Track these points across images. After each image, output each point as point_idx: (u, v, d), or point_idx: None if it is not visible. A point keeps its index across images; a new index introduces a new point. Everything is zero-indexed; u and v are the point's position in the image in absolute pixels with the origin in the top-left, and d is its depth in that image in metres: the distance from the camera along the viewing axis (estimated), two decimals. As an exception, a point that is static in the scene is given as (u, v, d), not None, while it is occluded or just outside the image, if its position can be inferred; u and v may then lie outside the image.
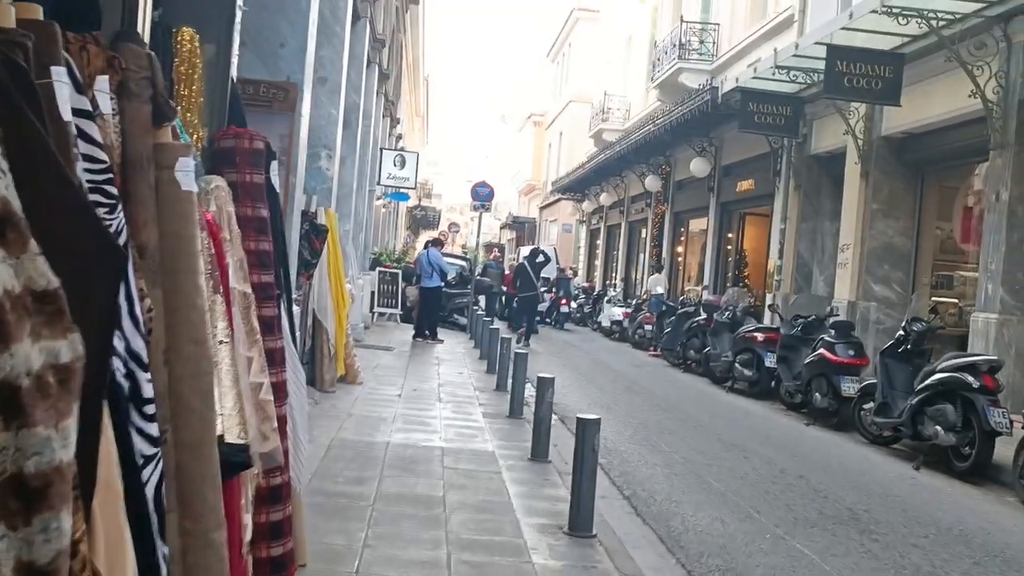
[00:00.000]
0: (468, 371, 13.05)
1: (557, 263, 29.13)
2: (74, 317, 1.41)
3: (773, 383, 12.90)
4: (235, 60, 3.66)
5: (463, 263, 25.36)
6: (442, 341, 16.80)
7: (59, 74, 1.66)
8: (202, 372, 2.38)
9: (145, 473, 1.91)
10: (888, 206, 14.11)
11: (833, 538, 6.07)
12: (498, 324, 16.44)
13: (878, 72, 12.43)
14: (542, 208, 48.34)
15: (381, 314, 19.74)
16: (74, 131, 1.76)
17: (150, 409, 1.95)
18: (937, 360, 9.38)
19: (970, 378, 8.54)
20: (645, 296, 22.36)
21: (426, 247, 18.81)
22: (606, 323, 24.36)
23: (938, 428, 8.65)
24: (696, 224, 24.38)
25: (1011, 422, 8.32)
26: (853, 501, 7.14)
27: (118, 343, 1.83)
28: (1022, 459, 7.66)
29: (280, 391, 3.41)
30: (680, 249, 25.53)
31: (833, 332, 11.52)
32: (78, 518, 1.45)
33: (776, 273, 17.21)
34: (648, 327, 20.29)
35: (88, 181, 1.83)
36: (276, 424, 3.26)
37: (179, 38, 3.09)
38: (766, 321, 15.62)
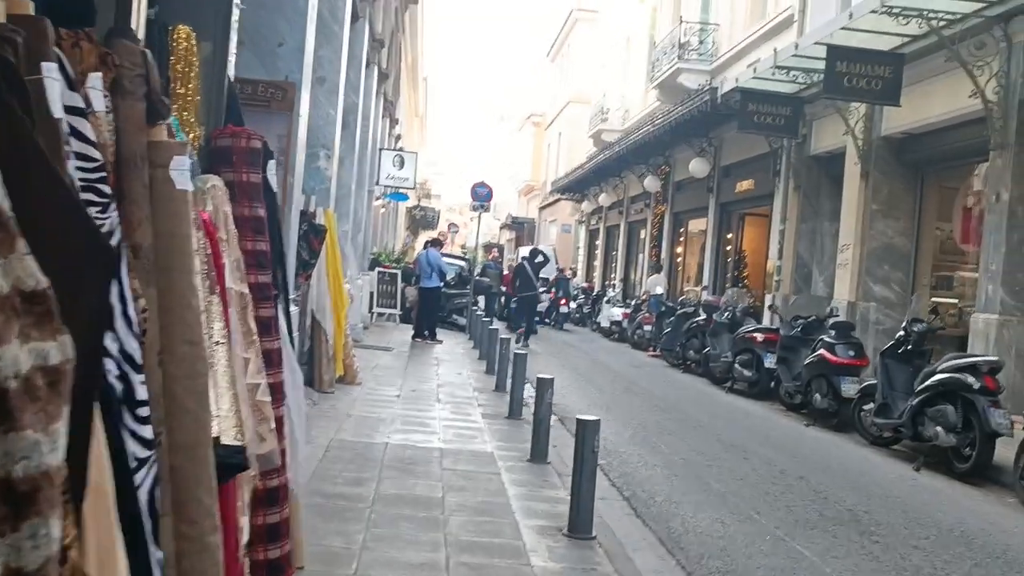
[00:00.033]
0: (467, 372, 13.02)
1: (556, 263, 29.13)
2: (64, 318, 1.38)
3: (773, 384, 12.87)
4: (232, 58, 3.64)
5: (462, 263, 25.34)
6: (441, 341, 16.77)
7: (50, 70, 1.63)
8: (197, 373, 2.35)
9: (138, 476, 1.88)
10: (888, 206, 14.08)
11: (833, 540, 6.04)
12: (497, 324, 16.43)
13: (878, 72, 12.40)
14: (541, 208, 48.33)
15: (380, 314, 19.71)
16: (66, 128, 1.73)
17: (144, 411, 1.92)
18: (937, 361, 9.36)
19: (971, 379, 8.52)
20: (644, 296, 22.33)
21: (425, 247, 18.78)
22: (605, 323, 24.34)
23: (939, 429, 8.63)
24: (695, 224, 24.36)
25: (1012, 423, 8.30)
26: (853, 502, 7.11)
27: (111, 344, 1.81)
28: (1023, 460, 7.64)
29: (277, 392, 3.38)
30: (679, 249, 25.51)
31: (833, 333, 11.50)
32: (68, 523, 1.43)
33: (776, 273, 17.19)
34: (647, 327, 20.27)
35: (81, 179, 1.80)
36: (273, 425, 3.23)
37: (175, 36, 3.06)
38: (765, 321, 15.60)
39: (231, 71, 3.62)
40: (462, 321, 20.64)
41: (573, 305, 27.78)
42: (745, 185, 19.77)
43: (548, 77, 50.65)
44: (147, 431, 1.93)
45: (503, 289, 25.46)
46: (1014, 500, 7.66)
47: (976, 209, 12.61)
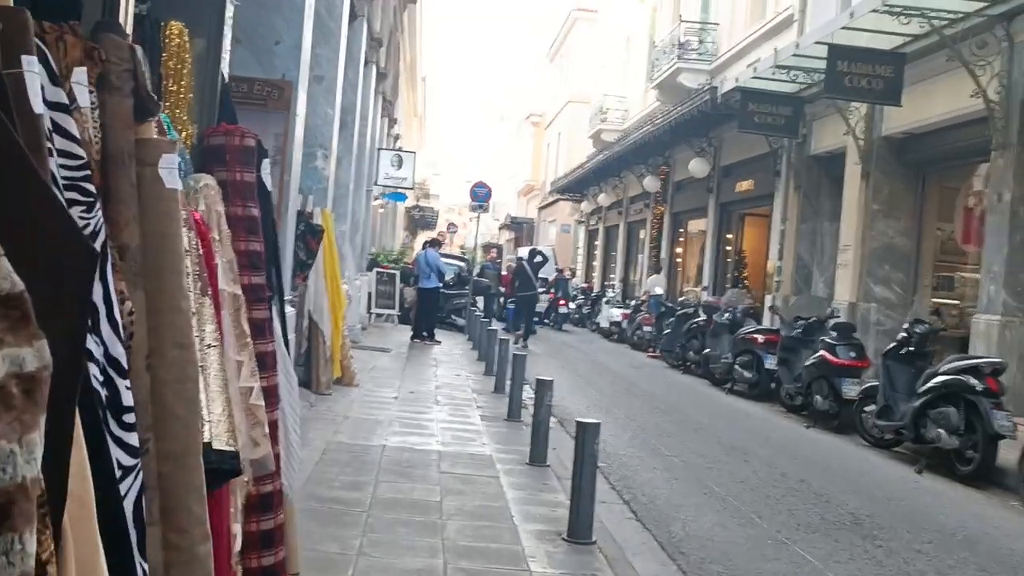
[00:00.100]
0: (466, 373, 12.96)
1: (555, 264, 29.08)
2: (42, 323, 1.32)
3: (773, 385, 12.82)
4: (226, 56, 3.57)
5: (461, 264, 25.28)
6: (440, 342, 16.71)
7: (30, 63, 1.56)
8: (187, 378, 2.29)
9: (124, 485, 1.81)
10: (888, 207, 14.02)
11: (836, 544, 5.98)
12: (496, 325, 16.37)
13: (879, 72, 12.35)
14: (541, 209, 48.28)
15: (379, 315, 19.64)
16: (48, 124, 1.67)
17: (129, 418, 1.86)
18: (939, 362, 9.30)
19: (973, 381, 8.46)
20: (644, 297, 22.27)
21: (424, 248, 18.72)
22: (605, 324, 24.28)
23: (941, 431, 8.57)
24: (695, 225, 24.30)
25: (1015, 425, 8.24)
26: (855, 505, 7.05)
27: (96, 348, 1.74)
28: (1026, 463, 7.58)
29: (271, 395, 3.31)
30: (679, 250, 25.45)
31: (834, 334, 11.44)
32: (45, 537, 1.36)
33: (776, 274, 17.13)
34: (647, 328, 20.21)
35: (64, 178, 1.74)
36: (267, 430, 3.16)
37: (167, 32, 3.00)
38: (766, 322, 15.55)
39: (225, 68, 3.56)
40: (461, 322, 20.58)
41: (572, 306, 27.72)
42: (745, 185, 19.71)
43: (548, 77, 50.62)
44: (133, 438, 1.87)
45: (502, 290, 25.41)
46: (1017, 503, 7.60)
47: (978, 209, 12.55)
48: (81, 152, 1.79)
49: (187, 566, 2.21)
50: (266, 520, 3.26)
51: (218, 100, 3.44)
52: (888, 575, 5.47)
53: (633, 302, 23.99)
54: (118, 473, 1.80)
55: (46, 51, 1.74)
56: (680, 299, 21.37)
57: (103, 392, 1.77)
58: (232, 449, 2.72)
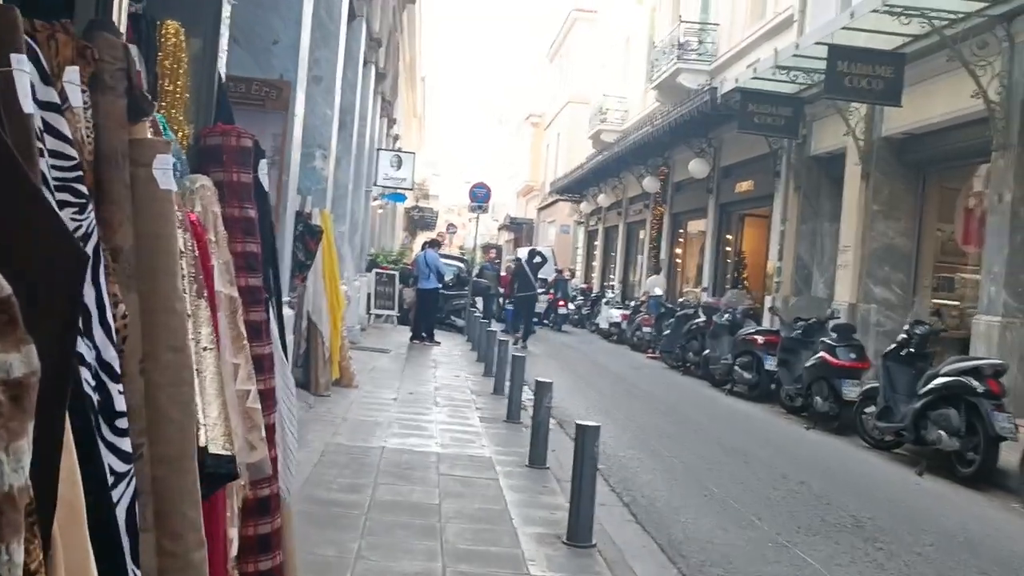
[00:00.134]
0: (465, 374, 12.93)
1: (555, 264, 29.05)
2: (30, 327, 1.29)
3: (773, 386, 12.79)
4: (223, 55, 3.54)
5: (460, 264, 25.25)
6: (439, 343, 16.68)
7: (19, 62, 1.53)
8: (182, 381, 2.25)
9: (116, 492, 1.78)
10: (889, 207, 13.99)
11: (837, 546, 5.95)
12: (495, 326, 16.34)
13: (879, 72, 12.32)
14: (540, 209, 48.25)
15: (378, 316, 19.61)
16: (38, 124, 1.64)
17: (122, 423, 1.83)
18: (940, 364, 9.27)
19: (974, 382, 8.43)
20: (643, 298, 22.23)
21: (423, 248, 18.69)
22: (604, 325, 24.25)
23: (942, 433, 8.54)
24: (695, 225, 24.28)
25: (1016, 427, 8.21)
26: (856, 508, 7.02)
27: (88, 352, 1.71)
28: (1028, 465, 7.55)
29: (268, 398, 3.28)
30: (679, 251, 25.43)
31: (834, 335, 11.41)
32: (34, 547, 1.33)
33: (776, 275, 17.10)
34: (647, 329, 20.18)
35: (56, 179, 1.71)
36: (264, 433, 3.13)
37: (163, 31, 2.96)
38: (766, 323, 15.52)
39: (222, 68, 3.53)
40: (460, 323, 20.55)
41: (572, 306, 27.68)
42: (745, 186, 19.69)
43: (547, 77, 50.61)
44: (126, 443, 1.83)
45: (501, 290, 25.38)
46: (1019, 505, 7.57)
47: (978, 210, 12.52)
48: (73, 152, 1.76)
49: (182, 572, 2.17)
50: (263, 524, 3.22)
51: (215, 100, 3.41)
52: (889, 578, 5.44)
53: (632, 303, 23.96)
54: (110, 479, 1.76)
55: (37, 49, 1.71)
56: (680, 300, 21.34)
57: (95, 397, 1.74)
58: (228, 453, 2.68)
